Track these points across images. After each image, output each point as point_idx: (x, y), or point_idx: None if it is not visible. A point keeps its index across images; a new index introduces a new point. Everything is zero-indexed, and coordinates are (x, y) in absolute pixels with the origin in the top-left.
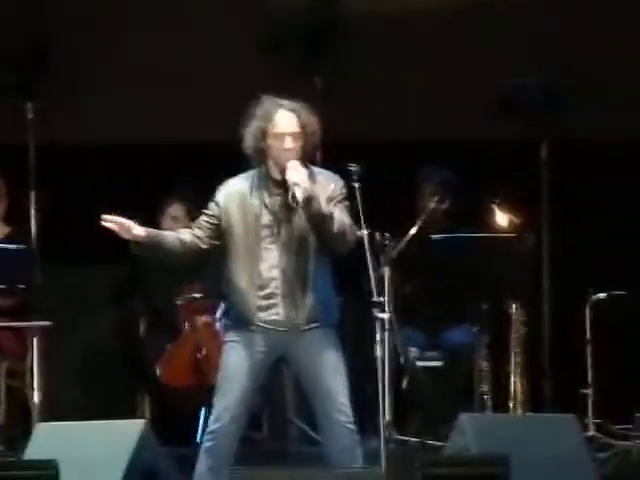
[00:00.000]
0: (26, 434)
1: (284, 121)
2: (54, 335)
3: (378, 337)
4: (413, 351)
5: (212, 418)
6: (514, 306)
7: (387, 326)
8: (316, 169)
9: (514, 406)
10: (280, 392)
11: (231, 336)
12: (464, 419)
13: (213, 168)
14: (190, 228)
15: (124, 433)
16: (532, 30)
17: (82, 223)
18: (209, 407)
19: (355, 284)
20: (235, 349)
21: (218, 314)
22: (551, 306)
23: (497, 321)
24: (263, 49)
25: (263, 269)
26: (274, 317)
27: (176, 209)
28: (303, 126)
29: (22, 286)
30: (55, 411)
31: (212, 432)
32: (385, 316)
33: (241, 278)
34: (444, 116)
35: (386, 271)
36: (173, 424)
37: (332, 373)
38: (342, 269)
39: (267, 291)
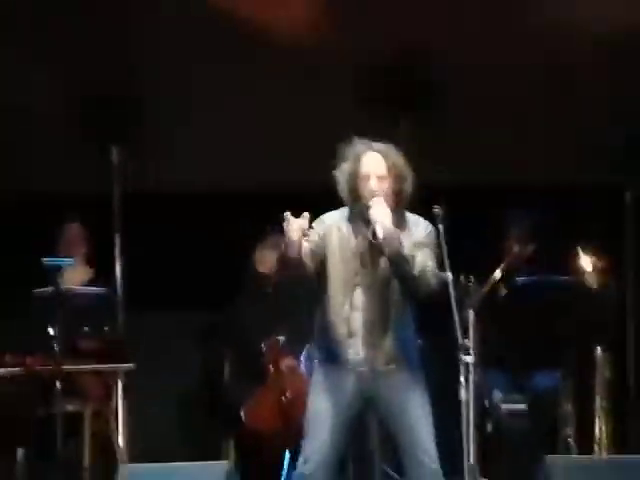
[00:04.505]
0: (111, 477)
1: (371, 162)
2: (139, 379)
3: (462, 380)
4: (498, 395)
5: (301, 460)
6: (599, 350)
7: (471, 369)
8: (408, 214)
9: (599, 450)
10: (365, 435)
11: (318, 377)
12: (549, 462)
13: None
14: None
15: (209, 475)
16: (614, 80)
17: (166, 268)
18: (293, 450)
19: (440, 327)
20: (322, 390)
21: (302, 357)
22: (636, 349)
23: (582, 365)
24: (353, 100)
25: (348, 308)
26: (354, 357)
27: (265, 255)
28: (390, 168)
29: (106, 328)
30: (139, 455)
31: (301, 475)
32: (470, 359)
33: (329, 316)
34: (529, 162)
35: (471, 314)
36: (258, 468)
37: (417, 414)
38: (427, 312)
39: (349, 330)
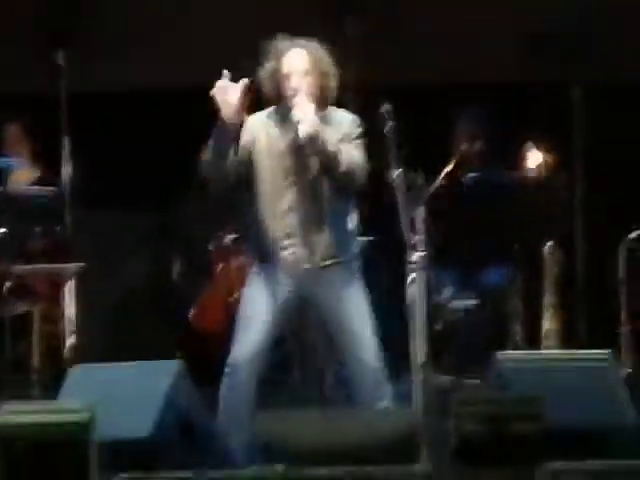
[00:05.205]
0: (60, 377)
1: (293, 60)
2: (87, 279)
3: (411, 278)
4: (447, 292)
5: (232, 351)
6: (548, 246)
7: (420, 266)
8: (335, 109)
9: (547, 346)
10: (310, 336)
11: (254, 272)
12: (499, 358)
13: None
14: None
15: (159, 373)
16: None
17: (114, 168)
18: None
19: (389, 226)
20: (257, 286)
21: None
22: (585, 245)
23: (531, 261)
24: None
25: (282, 208)
26: (292, 256)
27: None
28: (315, 64)
29: (54, 227)
30: (88, 355)
31: (230, 364)
32: (418, 257)
33: (263, 216)
34: (476, 58)
35: (420, 211)
36: (204, 368)
37: (355, 310)
38: (376, 210)
39: (285, 231)
